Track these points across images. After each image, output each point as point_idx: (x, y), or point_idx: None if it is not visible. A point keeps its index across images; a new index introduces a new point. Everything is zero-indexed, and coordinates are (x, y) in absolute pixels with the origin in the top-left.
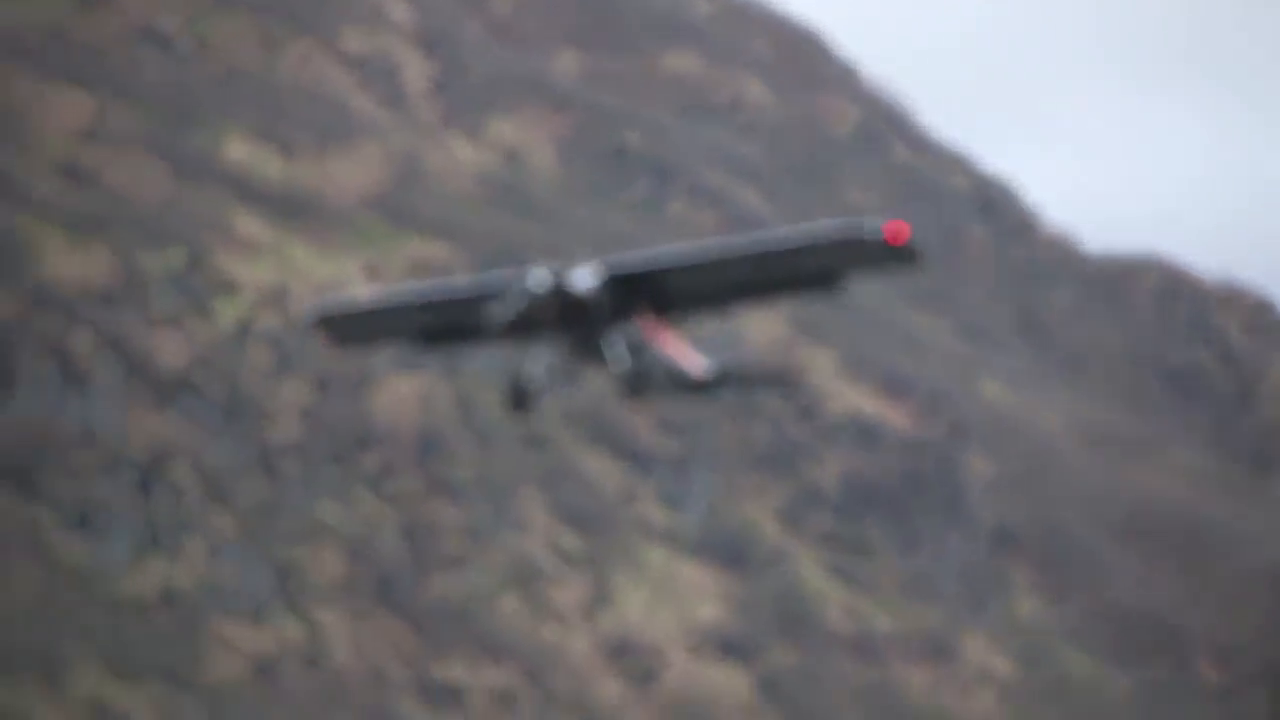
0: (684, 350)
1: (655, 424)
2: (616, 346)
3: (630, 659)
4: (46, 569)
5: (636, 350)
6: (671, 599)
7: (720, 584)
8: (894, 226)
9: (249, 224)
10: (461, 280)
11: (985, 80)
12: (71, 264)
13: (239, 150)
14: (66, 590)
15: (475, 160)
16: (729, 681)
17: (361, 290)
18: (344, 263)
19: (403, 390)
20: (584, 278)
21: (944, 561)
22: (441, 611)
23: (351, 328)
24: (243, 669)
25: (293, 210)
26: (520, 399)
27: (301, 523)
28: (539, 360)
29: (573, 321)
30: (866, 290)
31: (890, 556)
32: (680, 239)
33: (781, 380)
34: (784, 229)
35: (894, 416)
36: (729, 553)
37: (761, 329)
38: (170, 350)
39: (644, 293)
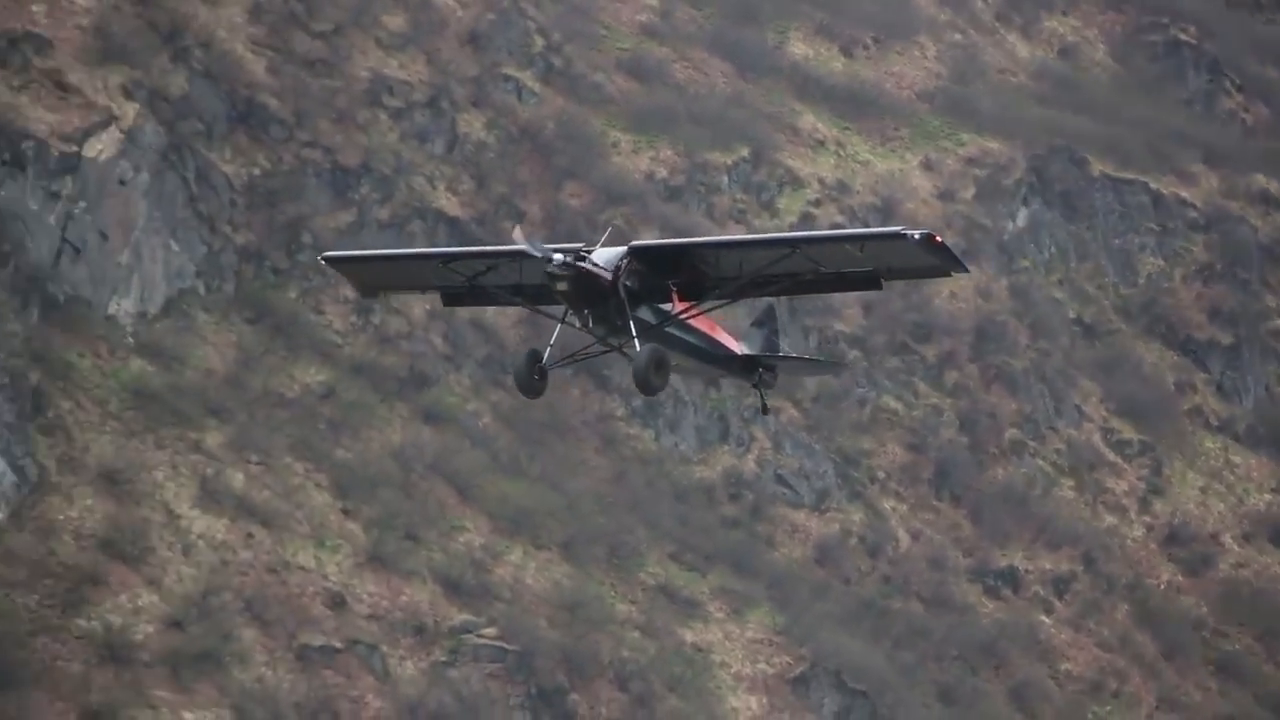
0: (722, 332)
1: (1210, 314)
2: (640, 327)
3: (1184, 546)
4: (617, 458)
5: (663, 332)
6: (1225, 487)
7: (1274, 473)
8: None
9: (811, 120)
10: (487, 248)
11: None
12: (639, 160)
13: (801, 48)
14: (636, 479)
15: (1031, 56)
16: None
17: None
18: (903, 158)
19: (961, 282)
20: (605, 257)
21: None
22: (999, 500)
23: (367, 275)
24: (805, 556)
25: (853, 106)
26: (529, 381)
27: (863, 413)
28: (555, 339)
29: (594, 300)
30: None
31: None
32: (1230, 135)
33: (824, 363)
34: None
35: None
36: None
37: None
38: None
39: (676, 275)
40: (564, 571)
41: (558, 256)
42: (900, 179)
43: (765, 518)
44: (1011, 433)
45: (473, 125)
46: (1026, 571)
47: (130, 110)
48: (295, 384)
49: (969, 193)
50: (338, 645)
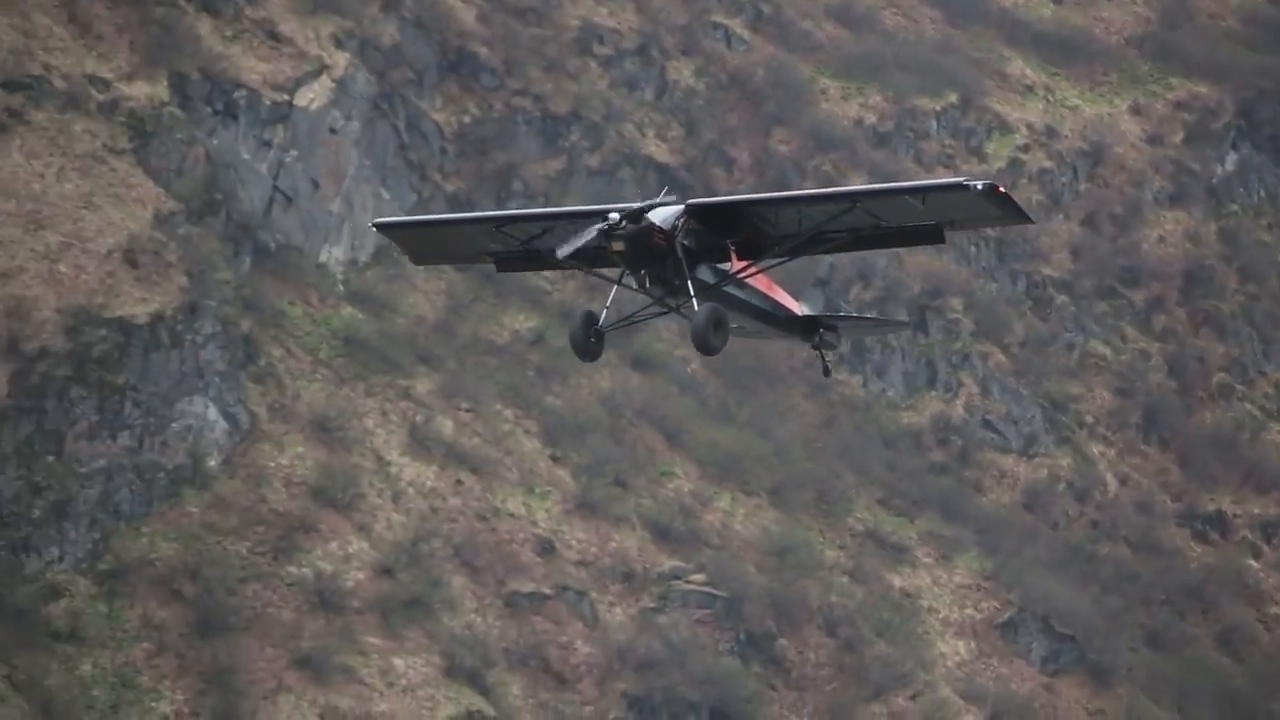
0: (781, 292)
1: None
2: (698, 287)
3: None
4: (825, 404)
5: (721, 292)
6: None
7: None
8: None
9: (1019, 66)
10: (546, 209)
11: None
12: (847, 107)
13: None
14: (845, 425)
15: (1240, 0)
16: None
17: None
18: (1111, 102)
19: (1168, 226)
20: (662, 215)
21: None
22: (1207, 444)
23: (419, 242)
24: (1013, 501)
25: (1061, 51)
26: (586, 344)
27: (1071, 358)
28: (611, 300)
29: (651, 260)
30: None
31: None
32: None
33: (885, 322)
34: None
35: None
36: None
37: None
38: None
39: (735, 234)
40: (772, 517)
41: (614, 215)
42: (1108, 124)
43: (973, 463)
44: (1220, 377)
45: (682, 72)
46: (1235, 516)
47: (341, 59)
48: (504, 331)
49: (1177, 137)
50: (547, 592)
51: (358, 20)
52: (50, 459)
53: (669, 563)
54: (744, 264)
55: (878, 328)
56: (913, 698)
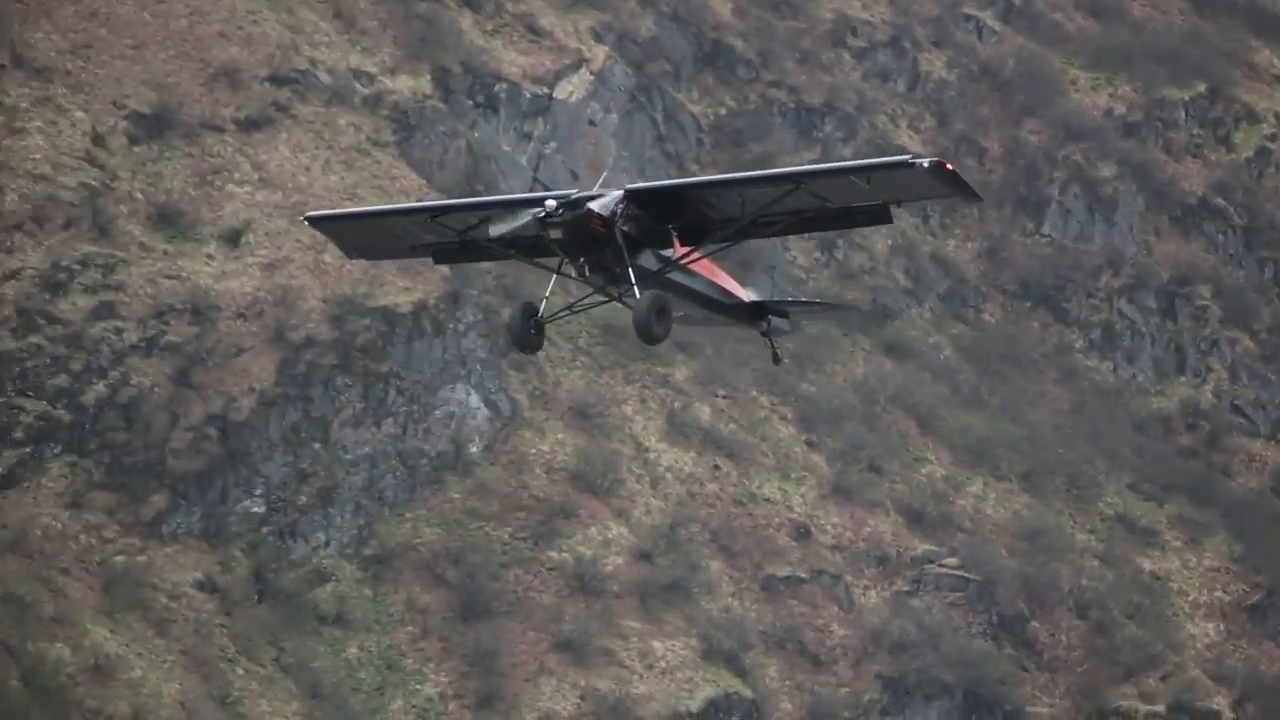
0: (726, 277)
1: None
2: (639, 275)
3: None
4: (1075, 389)
5: (664, 279)
6: None
7: None
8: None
9: (1268, 56)
10: (481, 198)
11: None
12: (1097, 97)
13: None
14: (1095, 410)
15: None
16: None
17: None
18: None
19: None
20: (601, 202)
21: None
22: None
23: (352, 234)
24: (1262, 485)
25: None
26: (525, 335)
27: None
28: (551, 289)
29: (590, 247)
30: None
31: None
32: None
33: (835, 306)
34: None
35: None
36: None
37: None
38: (1191, 177)
39: (677, 219)
40: (1023, 502)
41: (550, 202)
42: None
43: (1222, 447)
44: None
45: (934, 64)
46: None
47: (600, 52)
48: None
49: None
50: (803, 575)
51: (616, 14)
52: (316, 446)
53: (922, 547)
54: (686, 250)
55: (829, 313)
56: (1163, 679)
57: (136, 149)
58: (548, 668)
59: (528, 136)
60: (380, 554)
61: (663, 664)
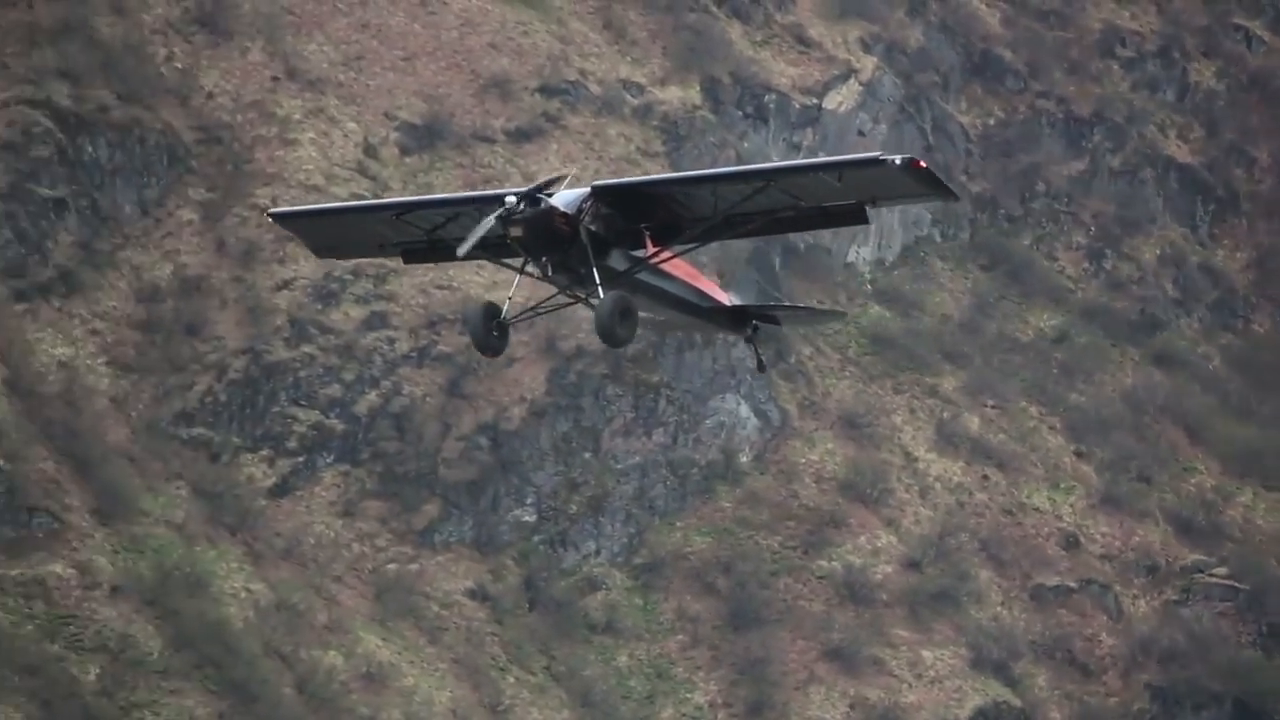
0: (705, 280)
1: None
2: (606, 276)
3: None
4: None
5: (634, 280)
6: None
7: None
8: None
9: None
10: (443, 195)
11: None
12: None
13: None
14: None
15: None
16: None
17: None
18: None
19: None
20: (565, 198)
21: None
22: None
23: (317, 232)
24: None
25: None
26: (487, 338)
27: None
28: (514, 290)
29: (553, 246)
30: None
31: None
32: None
33: (822, 312)
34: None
35: None
36: None
37: None
38: None
39: (648, 218)
40: None
41: (510, 199)
42: None
43: None
44: None
45: (1203, 74)
46: None
47: (869, 63)
48: (1029, 329)
49: None
50: (1071, 585)
51: (885, 24)
52: (587, 455)
53: (1191, 556)
54: (655, 250)
55: (814, 318)
56: None
57: (407, 160)
58: (817, 676)
59: (796, 147)
60: (650, 562)
61: (932, 673)
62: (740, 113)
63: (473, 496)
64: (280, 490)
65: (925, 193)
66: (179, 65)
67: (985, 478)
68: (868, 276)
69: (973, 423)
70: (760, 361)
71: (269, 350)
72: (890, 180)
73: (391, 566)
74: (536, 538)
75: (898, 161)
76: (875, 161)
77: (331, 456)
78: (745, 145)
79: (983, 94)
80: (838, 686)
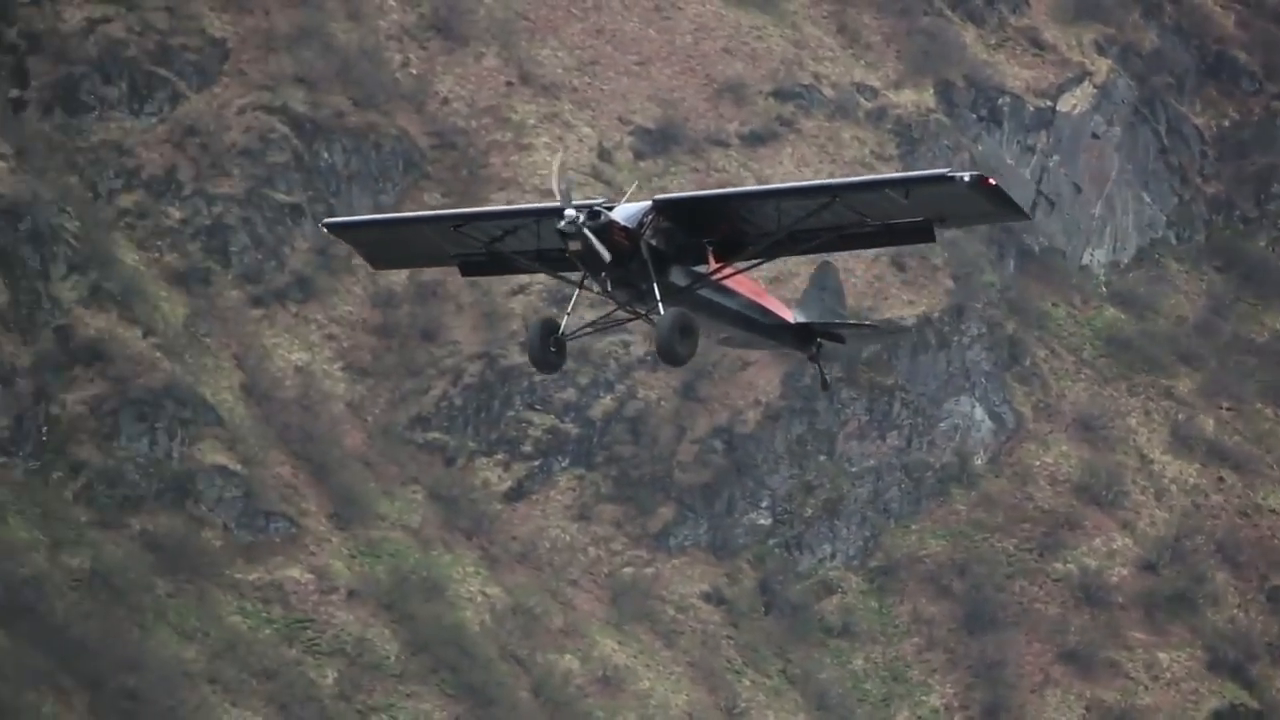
0: (769, 296)
1: None
2: (668, 291)
3: None
4: None
5: (696, 296)
6: None
7: None
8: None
9: None
10: (500, 207)
11: None
12: None
13: None
14: None
15: None
16: None
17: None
18: None
19: None
20: (626, 213)
21: None
22: None
23: (373, 243)
24: None
25: None
26: (545, 354)
27: None
28: (573, 305)
29: (615, 262)
30: None
31: None
32: None
33: (883, 331)
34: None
35: None
36: None
37: None
38: None
39: (711, 233)
40: None
41: (570, 212)
42: None
43: None
44: None
45: None
46: None
47: (1103, 65)
48: (1264, 330)
49: None
50: None
51: (1119, 27)
52: (822, 458)
53: None
54: (718, 265)
55: (878, 336)
56: None
57: (642, 164)
58: (1053, 679)
59: (1031, 150)
60: (886, 565)
61: (1168, 675)
62: (974, 116)
63: (707, 500)
64: (515, 494)
65: (995, 212)
66: (414, 71)
67: (1221, 479)
68: (1103, 279)
69: (1208, 424)
70: (825, 380)
71: (504, 355)
72: (959, 198)
73: (627, 570)
74: (771, 541)
75: (966, 178)
76: (943, 178)
77: (566, 460)
78: (979, 148)
79: (1217, 95)
80: (1073, 689)
